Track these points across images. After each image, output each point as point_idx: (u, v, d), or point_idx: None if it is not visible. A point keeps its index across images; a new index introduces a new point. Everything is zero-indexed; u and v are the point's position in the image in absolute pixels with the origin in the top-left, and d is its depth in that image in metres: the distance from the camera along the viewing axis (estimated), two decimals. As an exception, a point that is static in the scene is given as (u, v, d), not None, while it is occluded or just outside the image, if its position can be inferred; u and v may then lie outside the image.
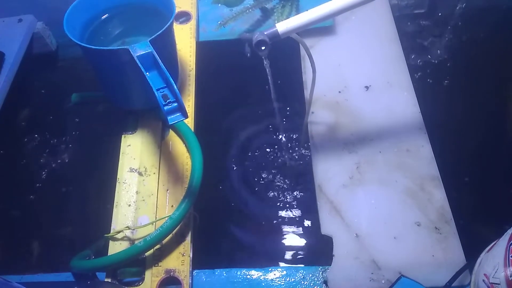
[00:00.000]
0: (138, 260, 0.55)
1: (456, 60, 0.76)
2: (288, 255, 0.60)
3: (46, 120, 0.78)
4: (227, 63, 0.80)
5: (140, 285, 0.54)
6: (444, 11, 0.83)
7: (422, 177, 0.60)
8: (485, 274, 0.47)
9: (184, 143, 0.65)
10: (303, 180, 0.65)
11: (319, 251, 0.58)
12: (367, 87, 0.70)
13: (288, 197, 0.65)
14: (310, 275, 0.55)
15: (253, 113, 0.74)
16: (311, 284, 0.54)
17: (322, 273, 0.55)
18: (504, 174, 0.64)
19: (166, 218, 0.56)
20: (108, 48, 0.57)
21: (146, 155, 0.64)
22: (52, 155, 0.73)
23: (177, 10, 0.68)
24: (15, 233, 0.67)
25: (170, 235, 0.56)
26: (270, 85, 0.57)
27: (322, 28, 0.77)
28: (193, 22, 0.78)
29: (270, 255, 0.60)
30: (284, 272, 0.55)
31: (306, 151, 0.68)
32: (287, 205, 0.64)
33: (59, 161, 0.73)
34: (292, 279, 0.55)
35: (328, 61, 0.73)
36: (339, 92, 0.70)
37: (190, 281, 0.55)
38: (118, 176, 0.63)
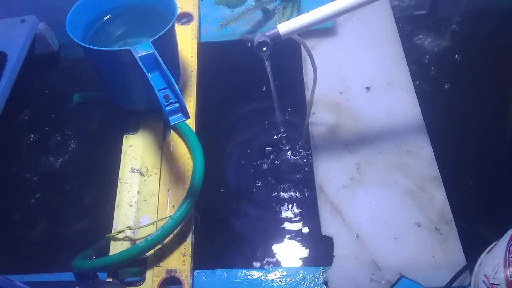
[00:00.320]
0: (139, 260, 0.55)
1: (457, 61, 0.76)
2: (289, 255, 0.59)
3: (48, 120, 0.78)
4: (229, 64, 0.80)
5: (141, 285, 0.54)
6: (445, 12, 0.83)
7: (423, 178, 0.60)
8: (485, 275, 0.47)
9: (186, 143, 0.65)
10: (303, 181, 0.66)
11: (319, 251, 0.58)
12: (368, 88, 0.70)
13: (288, 198, 0.65)
14: (311, 276, 0.55)
15: (254, 113, 0.74)
16: (312, 285, 0.54)
17: (322, 274, 0.55)
18: (504, 175, 0.64)
19: (167, 218, 0.56)
20: (110, 49, 0.57)
21: (147, 156, 0.64)
22: (54, 155, 0.73)
23: (179, 11, 0.69)
24: (17, 233, 0.67)
25: (171, 235, 0.56)
26: (271, 86, 0.58)
27: (323, 29, 0.77)
28: (194, 23, 0.78)
29: (271, 255, 0.60)
30: (285, 273, 0.55)
31: (307, 152, 0.68)
32: (288, 206, 0.64)
33: (60, 161, 0.73)
34: (293, 280, 0.55)
35: (329, 62, 0.73)
36: (340, 93, 0.70)
37: (191, 281, 0.55)
38: (119, 176, 0.63)
